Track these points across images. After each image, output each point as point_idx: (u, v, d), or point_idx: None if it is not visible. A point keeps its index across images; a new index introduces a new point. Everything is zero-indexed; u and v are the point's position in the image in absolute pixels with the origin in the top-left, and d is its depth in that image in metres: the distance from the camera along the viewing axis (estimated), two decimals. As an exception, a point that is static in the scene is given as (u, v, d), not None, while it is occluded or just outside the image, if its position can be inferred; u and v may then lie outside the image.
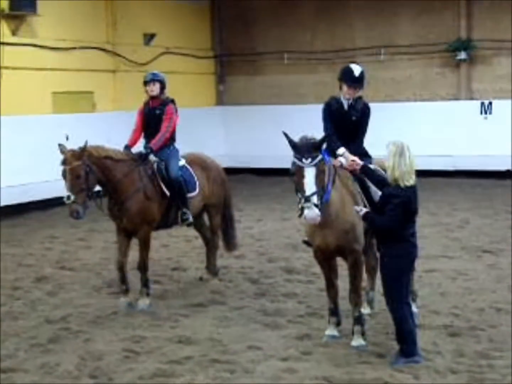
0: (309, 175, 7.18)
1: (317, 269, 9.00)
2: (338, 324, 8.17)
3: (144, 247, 9.76)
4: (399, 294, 7.34)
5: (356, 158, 7.96)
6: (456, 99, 21.70)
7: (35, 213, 16.67)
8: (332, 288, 8.14)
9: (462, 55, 21.23)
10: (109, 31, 20.13)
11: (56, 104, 18.39)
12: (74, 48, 18.76)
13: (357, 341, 7.84)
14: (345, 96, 8.43)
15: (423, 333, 7.98)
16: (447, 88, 21.86)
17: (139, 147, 10.12)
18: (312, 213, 7.14)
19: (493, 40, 20.97)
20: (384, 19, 22.24)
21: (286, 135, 7.35)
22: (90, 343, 8.21)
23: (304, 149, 7.24)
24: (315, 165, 7.21)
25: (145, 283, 9.75)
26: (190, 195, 10.11)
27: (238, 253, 12.24)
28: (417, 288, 9.13)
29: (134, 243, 9.97)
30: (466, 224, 14.51)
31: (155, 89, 10.05)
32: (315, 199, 7.15)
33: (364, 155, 8.45)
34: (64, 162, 8.97)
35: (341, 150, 8.11)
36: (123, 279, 9.61)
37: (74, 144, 9.21)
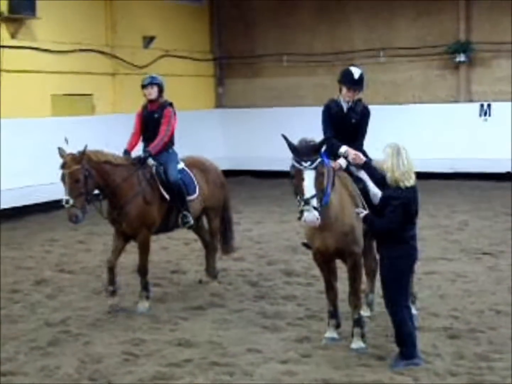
0: (309, 178, 7.18)
1: (316, 271, 9.00)
2: (337, 326, 8.18)
3: (144, 250, 9.76)
4: (398, 296, 7.34)
5: (359, 153, 7.97)
6: (456, 101, 21.70)
7: (34, 216, 16.67)
8: (331, 291, 8.14)
9: (462, 57, 21.24)
10: (108, 34, 20.14)
11: (55, 106, 18.40)
12: (73, 51, 18.77)
13: (357, 344, 7.85)
14: (345, 98, 8.44)
15: (423, 335, 7.98)
16: (447, 90, 21.87)
17: (138, 150, 10.12)
18: (312, 216, 7.14)
19: (492, 42, 20.98)
20: (383, 21, 22.26)
21: (285, 138, 7.36)
22: (89, 346, 8.21)
23: (303, 152, 7.24)
24: (315, 168, 7.21)
25: (144, 286, 9.75)
26: (189, 198, 10.11)
27: (237, 255, 12.25)
28: (416, 290, 9.14)
29: (133, 246, 9.97)
30: (465, 226, 14.51)
31: (153, 92, 10.05)
32: (314, 202, 7.16)
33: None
34: (63, 166, 8.97)
35: (343, 148, 8.11)
36: (112, 281, 9.58)
37: (73, 147, 9.20)
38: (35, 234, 14.86)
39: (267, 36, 23.56)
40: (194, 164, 10.53)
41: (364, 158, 7.91)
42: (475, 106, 21.22)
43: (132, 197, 9.52)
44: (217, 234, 10.84)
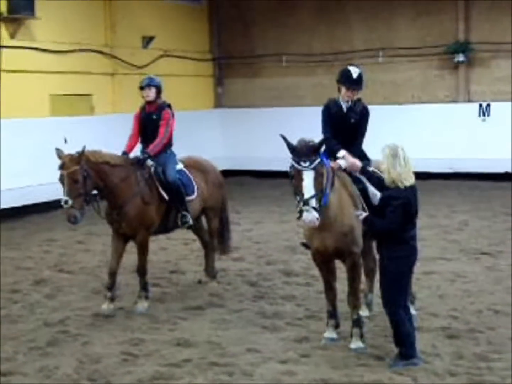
0: (308, 178, 7.18)
1: (315, 271, 9.00)
2: (336, 326, 8.17)
3: (143, 251, 9.76)
4: (397, 297, 7.34)
5: (356, 160, 7.97)
6: (455, 101, 21.70)
7: (33, 216, 16.66)
8: (330, 291, 8.14)
9: (461, 57, 21.24)
10: (107, 34, 20.13)
11: (54, 107, 18.39)
12: (73, 51, 18.76)
13: (356, 344, 7.85)
14: (344, 98, 8.44)
15: (422, 335, 7.98)
16: (446, 90, 21.87)
17: (136, 152, 10.12)
18: (311, 216, 7.14)
19: (491, 42, 20.98)
20: (382, 22, 22.26)
21: (284, 138, 7.36)
22: (88, 346, 8.21)
23: (302, 152, 7.24)
24: (314, 168, 7.21)
25: (143, 286, 9.75)
26: (188, 198, 10.11)
27: (236, 255, 12.26)
28: (415, 291, 9.14)
29: (133, 246, 9.97)
30: (464, 226, 14.52)
31: (151, 94, 10.05)
32: (313, 202, 7.16)
33: (363, 157, 8.46)
34: (62, 167, 8.95)
35: (342, 152, 8.10)
36: (111, 286, 9.58)
37: (72, 147, 9.20)
38: (34, 234, 14.86)
39: (266, 36, 23.56)
40: (193, 164, 10.53)
41: (360, 165, 7.90)
42: (474, 106, 21.23)
43: (131, 198, 9.51)
44: (216, 234, 10.85)
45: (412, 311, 8.04)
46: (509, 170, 20.27)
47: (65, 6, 18.51)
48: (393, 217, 7.22)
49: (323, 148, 7.44)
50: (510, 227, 14.01)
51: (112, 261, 9.64)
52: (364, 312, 8.62)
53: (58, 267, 12.02)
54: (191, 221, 10.12)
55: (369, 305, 8.99)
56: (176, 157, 10.28)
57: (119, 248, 9.67)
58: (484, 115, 21.05)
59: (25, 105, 17.40)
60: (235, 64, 24.08)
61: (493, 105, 20.94)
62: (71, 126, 17.58)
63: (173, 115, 10.13)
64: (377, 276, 7.97)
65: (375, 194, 7.88)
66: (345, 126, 8.40)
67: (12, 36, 17.27)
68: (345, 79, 8.39)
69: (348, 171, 8.10)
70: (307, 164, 7.21)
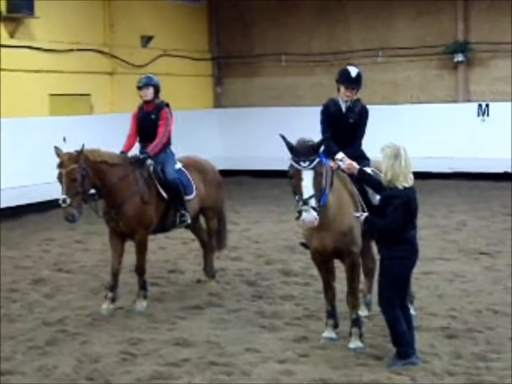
0: (307, 178, 7.18)
1: (314, 271, 9.00)
2: (335, 326, 8.17)
3: (141, 250, 9.76)
4: (394, 297, 7.33)
5: (353, 163, 7.97)
6: (454, 101, 21.72)
7: (32, 216, 16.64)
8: (329, 290, 8.14)
9: (460, 57, 21.27)
10: (106, 33, 20.14)
11: (53, 106, 18.40)
12: (72, 50, 18.78)
13: (355, 343, 7.84)
14: (343, 98, 8.44)
15: (420, 335, 7.97)
16: (445, 90, 21.89)
17: (135, 151, 10.11)
18: (310, 216, 7.14)
19: (491, 42, 21.01)
20: (381, 21, 22.28)
21: (283, 138, 7.35)
22: (87, 345, 8.21)
23: (301, 152, 7.24)
24: (313, 168, 7.21)
25: (142, 285, 9.75)
26: (187, 197, 10.11)
27: (235, 255, 12.27)
28: (414, 290, 9.13)
29: (131, 245, 9.97)
30: (463, 226, 14.52)
31: (148, 93, 10.04)
32: (313, 202, 7.16)
33: (362, 157, 8.47)
34: (60, 165, 8.94)
35: (340, 155, 8.10)
36: (114, 287, 9.58)
37: (72, 147, 9.18)
38: (33, 234, 14.85)
39: (265, 36, 23.57)
40: (192, 164, 10.52)
41: (357, 167, 7.89)
42: (473, 106, 21.25)
43: (130, 197, 9.51)
44: (214, 234, 10.85)
45: (412, 311, 8.04)
46: (508, 170, 20.28)
47: (65, 6, 18.53)
48: (394, 216, 7.21)
49: (322, 148, 7.44)
50: (509, 227, 14.01)
51: (114, 262, 9.63)
52: (363, 312, 8.61)
53: (57, 266, 12.02)
54: (189, 220, 10.12)
55: (368, 305, 8.99)
56: (175, 156, 10.29)
57: (118, 248, 9.66)
58: (483, 115, 21.07)
59: (24, 105, 17.41)
60: (234, 63, 24.08)
61: (492, 105, 20.96)
62: (70, 125, 17.54)
63: (171, 115, 10.13)
64: (376, 276, 7.96)
65: (373, 193, 7.88)
66: (344, 126, 8.41)
67: (11, 35, 17.29)
68: (344, 79, 8.40)
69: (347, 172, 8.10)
70: (306, 164, 7.21)
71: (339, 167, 7.98)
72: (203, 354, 7.80)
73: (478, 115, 21.12)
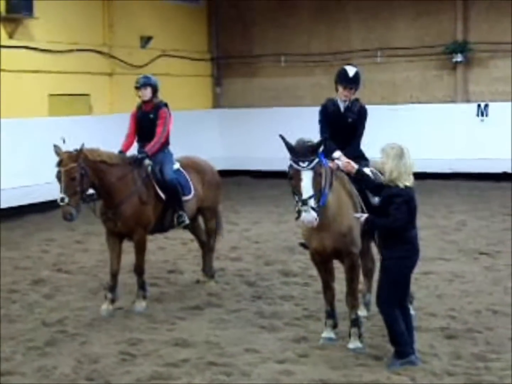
0: (306, 178, 7.18)
1: (314, 271, 9.00)
2: (335, 326, 8.17)
3: (140, 250, 9.75)
4: (392, 296, 7.33)
5: (351, 162, 7.97)
6: (453, 101, 21.72)
7: (32, 216, 16.64)
8: (329, 291, 8.14)
9: (459, 58, 21.27)
10: (105, 33, 20.13)
11: (52, 106, 18.38)
12: (71, 50, 18.76)
13: (354, 344, 7.84)
14: (341, 97, 8.46)
15: (420, 336, 7.97)
16: (444, 90, 21.89)
17: (133, 150, 10.11)
18: (310, 216, 7.15)
19: (490, 42, 21.01)
20: (381, 22, 22.27)
21: (283, 138, 7.35)
22: (86, 346, 8.21)
23: (301, 152, 7.24)
24: (312, 168, 7.21)
25: (141, 285, 9.75)
26: (185, 198, 10.11)
27: (234, 255, 12.28)
28: (414, 291, 9.13)
29: (130, 246, 9.97)
30: (463, 227, 14.52)
31: (146, 93, 10.04)
32: (312, 202, 7.16)
33: (361, 157, 8.47)
34: (59, 164, 8.94)
35: (337, 153, 8.10)
36: (113, 288, 9.57)
37: (71, 147, 9.18)
38: (32, 234, 14.85)
39: (265, 36, 23.56)
40: (190, 164, 10.52)
41: (355, 166, 7.88)
42: (473, 106, 21.25)
43: (128, 197, 9.50)
44: (213, 234, 10.85)
45: (411, 311, 8.04)
46: (507, 170, 20.29)
47: (64, 6, 18.51)
48: (397, 214, 7.20)
49: (321, 148, 7.44)
50: (509, 227, 14.02)
51: (112, 263, 9.62)
52: (362, 312, 8.62)
53: (57, 267, 12.01)
54: (187, 221, 10.12)
55: (367, 305, 8.99)
56: (173, 156, 10.28)
57: (116, 249, 9.66)
58: (482, 115, 21.07)
59: (23, 105, 17.39)
60: (233, 64, 24.08)
61: (492, 105, 20.97)
62: (69, 126, 17.51)
63: (170, 114, 10.13)
64: (375, 276, 7.96)
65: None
66: (343, 126, 8.42)
67: (10, 35, 17.27)
68: (342, 79, 8.42)
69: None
70: (305, 164, 7.21)
71: (338, 167, 7.97)
72: (202, 355, 7.80)
73: (477, 115, 21.13)
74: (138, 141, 10.20)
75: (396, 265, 7.29)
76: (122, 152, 9.94)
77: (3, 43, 16.93)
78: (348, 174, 7.98)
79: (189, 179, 10.25)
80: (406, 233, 7.31)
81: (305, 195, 7.16)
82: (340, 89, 8.42)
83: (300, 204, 7.18)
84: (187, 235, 12.01)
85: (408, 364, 7.27)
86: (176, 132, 10.32)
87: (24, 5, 16.98)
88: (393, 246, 7.31)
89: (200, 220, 10.93)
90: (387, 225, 7.30)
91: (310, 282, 10.46)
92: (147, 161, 9.85)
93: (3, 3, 16.75)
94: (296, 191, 7.24)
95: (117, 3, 20.29)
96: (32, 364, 7.67)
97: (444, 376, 7.11)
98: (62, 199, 8.86)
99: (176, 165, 10.23)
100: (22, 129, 17.16)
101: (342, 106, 8.47)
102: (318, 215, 7.20)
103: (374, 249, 8.47)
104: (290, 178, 7.31)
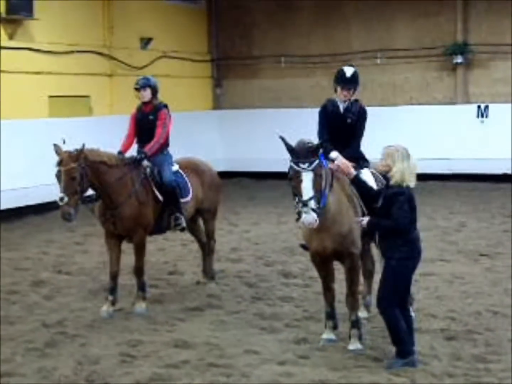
0: (307, 179, 7.19)
1: (314, 273, 8.99)
2: (335, 328, 8.17)
3: (140, 252, 9.74)
4: (392, 297, 7.32)
5: (349, 164, 7.94)
6: (453, 102, 21.72)
7: (32, 217, 16.64)
8: (329, 292, 8.14)
9: (459, 59, 21.27)
10: (105, 35, 20.12)
11: (52, 108, 18.37)
12: (71, 52, 18.75)
13: (354, 345, 7.84)
14: (340, 98, 8.47)
15: (420, 337, 7.97)
16: (444, 91, 21.89)
17: (132, 151, 10.11)
18: (310, 217, 7.15)
19: (490, 44, 21.02)
20: (380, 23, 22.27)
21: (283, 139, 7.35)
22: (86, 347, 8.20)
23: (301, 153, 7.24)
24: (313, 169, 7.21)
25: (141, 287, 9.73)
26: (183, 200, 10.09)
27: (234, 256, 12.28)
28: (413, 292, 9.12)
29: (130, 247, 9.96)
30: (462, 228, 14.52)
31: (146, 95, 10.04)
32: (312, 203, 7.16)
33: (361, 158, 8.47)
34: (60, 163, 8.93)
35: (334, 154, 8.09)
36: (113, 290, 9.56)
37: (70, 148, 9.17)
38: (32, 235, 14.84)
39: (265, 37, 23.56)
40: (189, 166, 10.51)
41: (354, 172, 7.85)
42: (473, 108, 21.25)
43: (126, 198, 9.49)
44: (213, 236, 10.84)
45: (411, 312, 8.04)
46: (507, 172, 20.28)
47: (64, 7, 18.50)
48: (401, 212, 7.19)
49: (321, 150, 7.44)
50: (509, 228, 14.03)
51: (112, 264, 9.62)
52: (362, 314, 8.62)
53: (57, 268, 12.01)
54: (184, 224, 10.09)
55: (367, 307, 8.99)
56: (173, 158, 10.28)
57: (115, 250, 9.65)
58: (482, 116, 21.07)
59: (23, 106, 17.38)
60: (233, 65, 24.08)
61: (492, 106, 20.96)
62: (69, 127, 17.49)
63: (170, 116, 10.13)
64: (376, 277, 7.95)
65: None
66: (342, 126, 8.42)
67: (10, 37, 17.26)
68: (340, 79, 8.44)
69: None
70: (306, 165, 7.21)
71: (338, 168, 7.97)
72: (202, 356, 7.80)
73: (478, 116, 21.12)
74: (138, 142, 10.20)
75: (398, 266, 7.29)
76: (121, 152, 9.93)
77: (3, 44, 16.92)
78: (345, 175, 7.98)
79: (188, 181, 10.24)
80: (408, 234, 7.31)
81: (305, 197, 7.16)
82: (339, 89, 8.44)
83: (300, 205, 7.18)
84: (187, 236, 12.00)
85: (410, 364, 7.27)
86: (176, 133, 10.32)
87: (24, 6, 16.98)
88: (395, 247, 7.30)
89: (200, 221, 10.92)
90: (391, 226, 7.28)
91: (310, 283, 10.46)
92: (145, 163, 9.85)
93: (3, 4, 16.75)
94: (297, 192, 7.24)
95: (117, 4, 20.29)
96: (32, 365, 7.66)
97: (444, 377, 7.10)
98: (61, 199, 8.85)
99: (175, 167, 10.23)
100: (22, 130, 17.15)
101: (341, 107, 8.48)
102: (318, 216, 7.20)
103: (374, 250, 8.46)
104: (290, 179, 7.31)
